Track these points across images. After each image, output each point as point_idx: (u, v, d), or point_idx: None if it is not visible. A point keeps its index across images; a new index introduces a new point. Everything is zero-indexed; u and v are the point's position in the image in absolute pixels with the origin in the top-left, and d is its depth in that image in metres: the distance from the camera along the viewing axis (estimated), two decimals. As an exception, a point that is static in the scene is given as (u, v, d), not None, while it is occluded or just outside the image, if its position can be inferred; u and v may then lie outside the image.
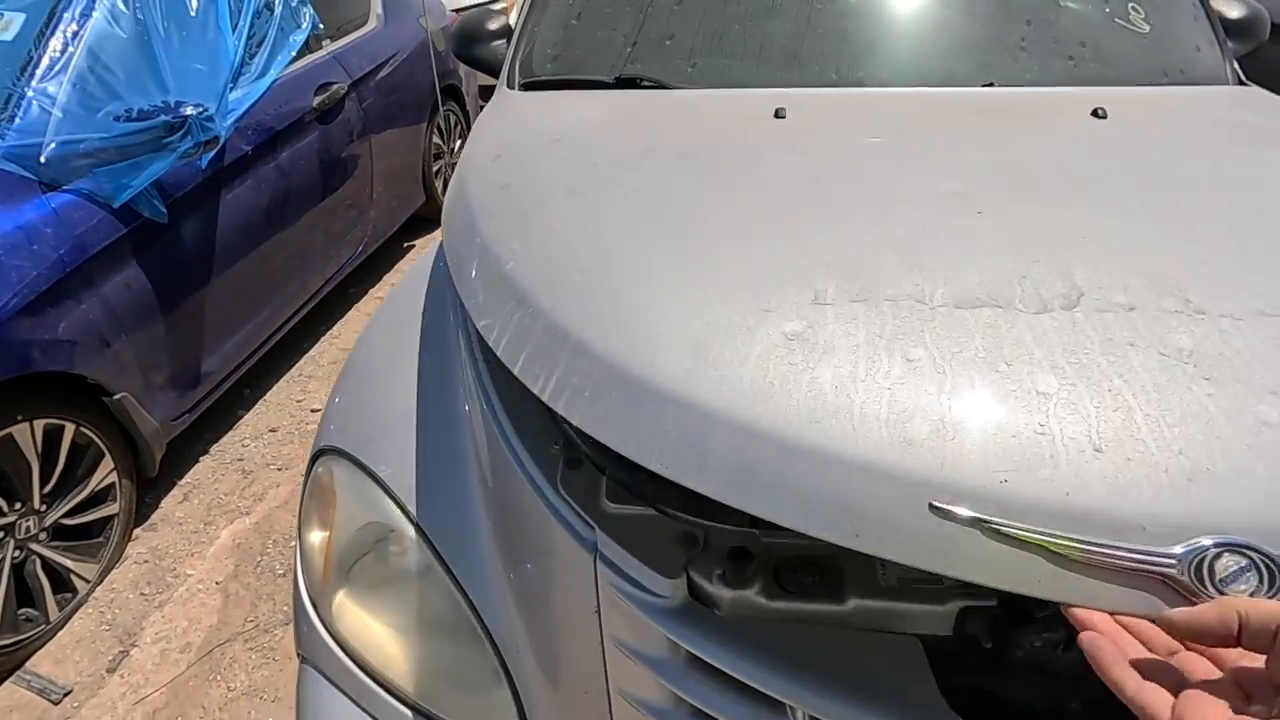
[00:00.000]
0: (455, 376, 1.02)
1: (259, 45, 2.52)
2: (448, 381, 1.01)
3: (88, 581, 1.91)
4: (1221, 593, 0.49)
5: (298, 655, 0.96)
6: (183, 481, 2.28)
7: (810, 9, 1.37)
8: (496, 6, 1.97)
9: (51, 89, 1.84)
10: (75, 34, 1.94)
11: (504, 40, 1.77)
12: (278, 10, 2.65)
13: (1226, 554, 0.49)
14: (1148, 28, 1.42)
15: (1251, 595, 0.48)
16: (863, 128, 1.07)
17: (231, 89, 2.29)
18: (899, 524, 0.54)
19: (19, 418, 1.67)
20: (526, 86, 1.49)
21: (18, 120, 1.78)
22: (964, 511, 0.52)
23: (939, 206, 0.81)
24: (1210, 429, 0.54)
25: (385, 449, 0.95)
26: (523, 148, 1.15)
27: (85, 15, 1.97)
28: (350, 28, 3.21)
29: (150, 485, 2.19)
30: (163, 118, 1.88)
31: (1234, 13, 1.66)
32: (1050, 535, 0.51)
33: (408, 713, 0.86)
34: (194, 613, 1.86)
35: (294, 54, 2.66)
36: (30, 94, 1.81)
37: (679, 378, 0.63)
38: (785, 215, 0.82)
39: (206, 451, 2.39)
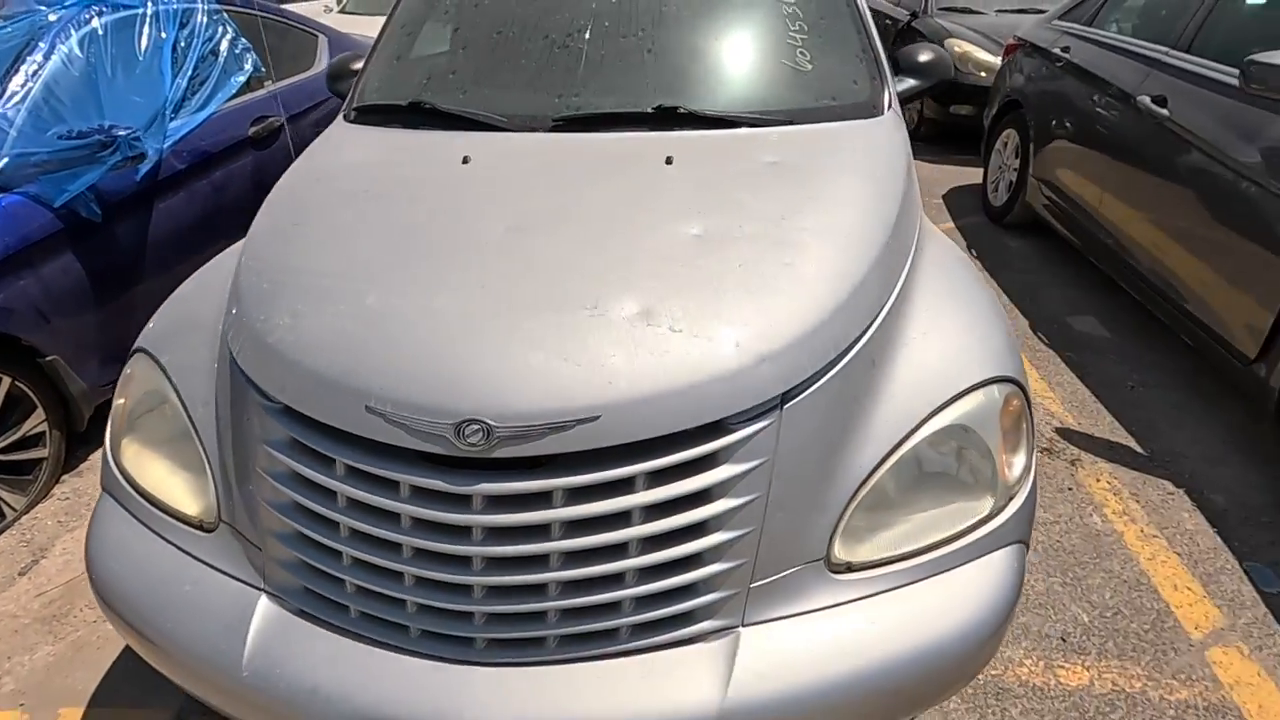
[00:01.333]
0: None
1: (202, 84, 3.04)
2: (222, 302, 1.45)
3: (15, 510, 2.32)
4: (468, 441, 0.97)
5: (101, 488, 1.37)
6: (110, 440, 2.70)
7: (549, 57, 1.83)
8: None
9: (11, 114, 2.34)
10: (35, 73, 2.45)
11: (361, 77, 2.26)
12: (223, 57, 3.19)
13: (471, 424, 0.98)
14: (810, 67, 1.87)
15: (478, 441, 0.98)
16: (508, 176, 1.49)
17: (172, 118, 2.80)
18: (356, 414, 1.03)
19: (-38, 366, 2.11)
20: (359, 109, 1.96)
21: (-20, 137, 2.27)
22: (377, 406, 1.01)
23: (491, 242, 1.27)
24: (489, 367, 1.02)
25: (171, 344, 1.38)
26: (300, 182, 1.62)
27: (46, 58, 2.49)
28: (296, 71, 3.75)
29: (84, 441, 2.62)
30: (96, 137, 2.37)
31: (922, 56, 2.12)
32: (407, 417, 1.00)
33: (159, 514, 1.26)
34: (98, 534, 2.26)
35: (234, 92, 3.18)
36: (-7, 118, 2.31)
37: (288, 346, 1.12)
38: (401, 247, 1.29)
39: (135, 418, 2.82)
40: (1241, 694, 1.62)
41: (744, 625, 1.05)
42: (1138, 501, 2.19)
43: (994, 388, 1.23)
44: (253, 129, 3.25)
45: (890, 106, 1.87)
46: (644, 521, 1.00)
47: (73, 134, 2.37)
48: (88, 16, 2.72)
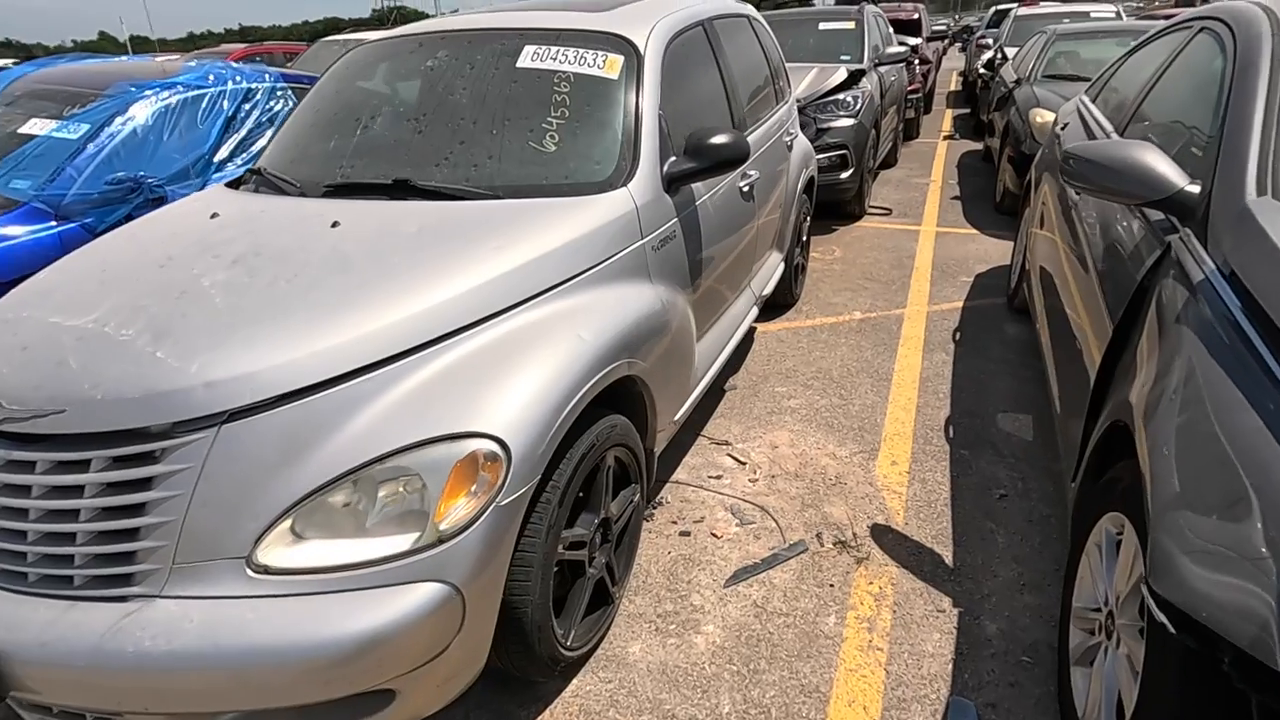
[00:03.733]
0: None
1: (253, 144, 3.88)
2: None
3: None
4: None
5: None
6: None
7: (353, 137, 2.23)
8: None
9: (82, 166, 3.22)
10: (112, 134, 3.34)
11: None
12: (278, 123, 4.03)
13: None
14: (554, 148, 2.07)
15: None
16: (221, 227, 1.87)
17: (217, 170, 3.64)
18: None
19: None
20: (253, 173, 2.50)
21: (55, 181, 3.15)
22: None
23: (142, 276, 1.64)
24: (15, 365, 1.38)
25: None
26: (126, 226, 2.13)
27: (121, 126, 3.38)
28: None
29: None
30: (127, 184, 3.17)
31: (713, 140, 2.21)
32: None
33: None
34: None
35: (282, 151, 3.99)
36: (69, 169, 3.19)
37: None
38: (94, 276, 1.69)
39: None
40: (816, 820, 1.49)
41: (160, 596, 1.29)
42: (893, 612, 2.02)
43: (462, 442, 1.36)
44: (292, 180, 4.03)
45: (626, 184, 2.01)
46: (95, 495, 1.30)
47: (114, 180, 3.20)
48: (167, 95, 3.63)
